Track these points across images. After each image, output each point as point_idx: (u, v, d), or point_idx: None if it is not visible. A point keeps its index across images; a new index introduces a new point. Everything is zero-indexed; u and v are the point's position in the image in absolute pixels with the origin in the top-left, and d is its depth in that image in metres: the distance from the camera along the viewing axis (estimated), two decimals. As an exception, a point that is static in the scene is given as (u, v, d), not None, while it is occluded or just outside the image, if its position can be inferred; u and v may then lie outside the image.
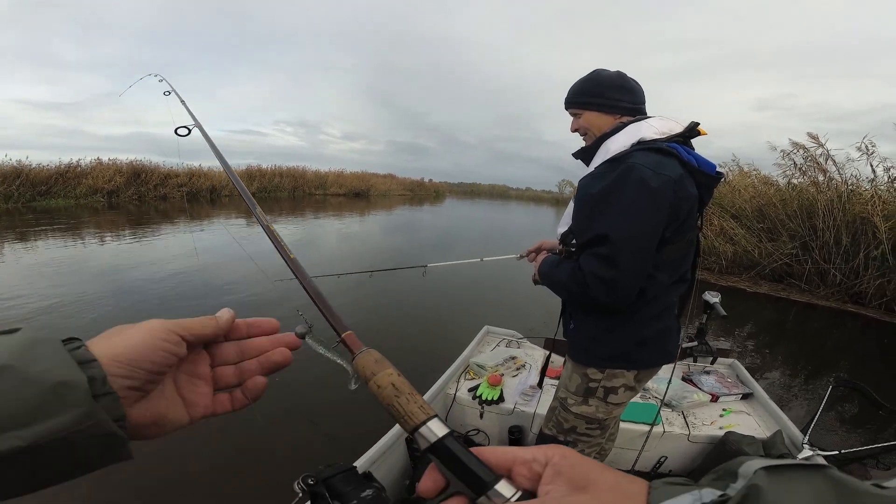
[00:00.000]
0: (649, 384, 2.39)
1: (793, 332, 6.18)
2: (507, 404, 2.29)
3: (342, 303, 5.11)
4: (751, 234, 9.04)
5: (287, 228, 11.51)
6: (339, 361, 0.46)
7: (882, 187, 7.80)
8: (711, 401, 2.47)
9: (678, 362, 1.62)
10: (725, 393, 2.50)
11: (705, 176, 1.27)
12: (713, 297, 2.70)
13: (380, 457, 1.78)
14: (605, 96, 1.38)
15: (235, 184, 0.74)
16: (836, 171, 8.49)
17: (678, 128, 1.30)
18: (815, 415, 2.16)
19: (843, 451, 2.02)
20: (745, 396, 2.54)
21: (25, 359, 0.29)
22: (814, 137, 8.71)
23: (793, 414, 2.44)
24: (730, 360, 2.93)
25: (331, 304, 0.50)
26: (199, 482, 2.35)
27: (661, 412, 2.28)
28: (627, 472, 0.32)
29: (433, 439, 0.35)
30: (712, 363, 2.88)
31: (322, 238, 11.01)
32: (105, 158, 16.69)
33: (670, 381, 1.86)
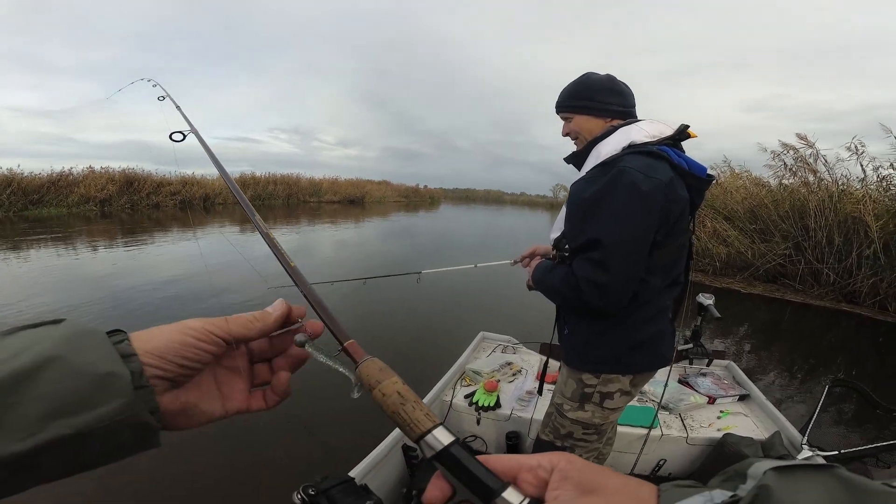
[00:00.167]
0: (646, 387, 2.38)
1: (788, 332, 6.21)
2: (504, 410, 2.28)
3: (336, 310, 5.10)
4: (744, 236, 9.09)
5: (282, 236, 11.44)
6: (341, 370, 0.46)
7: (872, 187, 7.88)
8: (708, 403, 2.47)
9: (674, 365, 1.61)
10: (722, 395, 2.50)
11: (696, 179, 1.27)
12: (707, 300, 2.70)
13: (376, 465, 1.76)
14: (595, 100, 1.38)
15: (233, 190, 0.73)
16: (826, 172, 8.58)
17: (668, 130, 1.30)
18: (813, 415, 2.16)
19: (842, 451, 2.01)
20: (742, 398, 2.54)
21: (73, 350, 0.31)
22: (803, 138, 8.81)
23: (790, 414, 2.44)
24: (725, 362, 2.93)
25: (332, 312, 0.50)
26: (197, 490, 2.33)
27: (659, 415, 2.28)
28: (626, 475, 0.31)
29: (439, 447, 0.35)
30: (708, 365, 2.88)
31: (316, 246, 10.97)
32: (97, 166, 16.69)
33: (667, 383, 1.86)
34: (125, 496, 2.24)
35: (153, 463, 2.40)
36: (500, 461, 0.34)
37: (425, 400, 2.24)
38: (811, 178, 8.75)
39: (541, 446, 1.62)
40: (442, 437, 0.35)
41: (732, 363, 2.90)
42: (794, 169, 9.15)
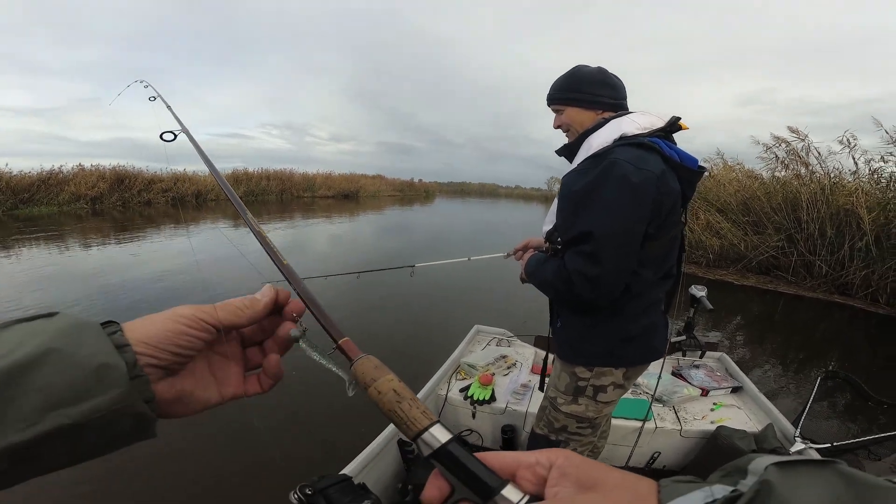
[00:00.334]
0: (640, 379, 2.39)
1: (781, 324, 6.24)
2: (499, 403, 2.28)
3: (329, 305, 5.11)
4: (737, 228, 9.14)
5: (275, 231, 11.41)
6: (334, 369, 0.45)
7: (864, 179, 7.94)
8: (702, 395, 2.48)
9: (667, 357, 1.62)
10: (715, 387, 2.51)
11: (687, 170, 1.27)
12: (699, 291, 2.71)
13: (371, 461, 1.76)
14: (586, 92, 1.37)
15: (224, 188, 0.72)
16: (818, 164, 8.63)
17: (659, 122, 1.30)
18: (806, 407, 2.18)
19: (835, 444, 2.03)
20: (735, 390, 2.56)
21: (70, 342, 0.31)
22: (794, 131, 8.85)
23: (783, 406, 2.46)
24: (718, 354, 2.95)
25: (325, 310, 0.49)
26: (193, 490, 2.32)
27: (653, 408, 2.29)
28: (622, 468, 0.31)
29: (437, 445, 0.34)
30: (701, 357, 2.90)
31: (310, 240, 10.94)
32: (87, 164, 16.49)
33: (660, 376, 1.86)
34: (125, 497, 2.23)
35: (153, 464, 2.39)
36: (497, 458, 0.34)
37: (420, 394, 2.24)
38: (803, 170, 8.81)
39: (535, 440, 1.62)
40: (439, 434, 0.35)
41: (725, 355, 2.92)
42: (785, 162, 9.20)
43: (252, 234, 0.60)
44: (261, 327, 0.47)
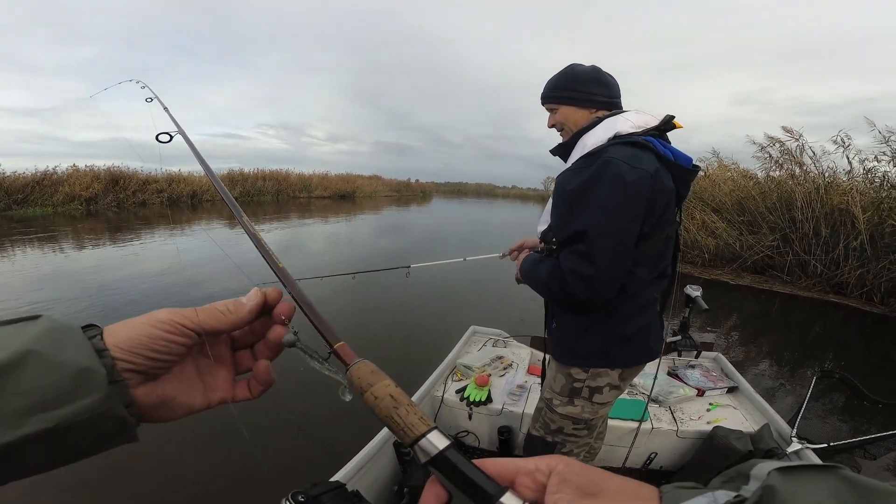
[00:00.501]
0: (636, 380, 2.39)
1: (776, 323, 6.26)
2: (496, 405, 2.27)
3: (324, 306, 5.08)
4: (732, 228, 9.16)
5: (271, 232, 11.38)
6: (330, 374, 0.44)
7: (858, 179, 7.97)
8: (697, 395, 2.48)
9: (663, 357, 1.61)
10: (711, 387, 2.51)
11: (682, 169, 1.27)
12: (695, 291, 2.71)
13: (367, 463, 1.75)
14: (580, 90, 1.37)
15: (219, 190, 0.71)
16: (812, 164, 8.67)
17: (654, 121, 1.29)
18: (801, 407, 2.17)
19: (832, 444, 2.03)
20: (731, 390, 2.56)
21: (50, 346, 0.31)
22: (789, 131, 8.91)
23: (779, 406, 2.46)
24: (714, 354, 2.95)
25: (321, 313, 0.48)
26: (195, 494, 2.30)
27: (649, 408, 2.28)
28: (618, 469, 0.30)
29: (434, 452, 0.34)
30: (696, 357, 2.90)
31: (306, 241, 10.90)
32: (81, 165, 16.40)
33: (656, 376, 1.86)
34: (125, 497, 2.21)
35: (148, 468, 2.37)
36: (496, 465, 0.33)
37: (416, 396, 2.23)
38: (797, 170, 8.85)
39: (531, 441, 1.61)
40: (437, 440, 0.34)
41: (721, 355, 2.91)
42: (780, 161, 9.25)
43: (247, 235, 0.59)
44: (252, 330, 0.46)
